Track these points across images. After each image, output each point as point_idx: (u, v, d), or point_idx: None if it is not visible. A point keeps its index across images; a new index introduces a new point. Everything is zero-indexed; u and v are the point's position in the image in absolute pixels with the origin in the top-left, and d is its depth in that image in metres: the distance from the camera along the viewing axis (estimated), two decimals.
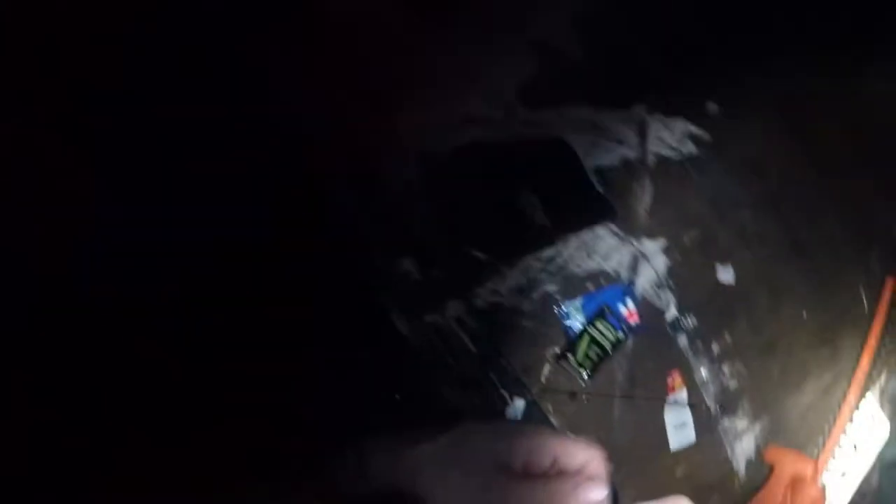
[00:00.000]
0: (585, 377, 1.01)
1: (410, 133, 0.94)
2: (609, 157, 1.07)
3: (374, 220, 0.95)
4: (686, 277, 1.09)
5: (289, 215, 0.81)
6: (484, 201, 1.01)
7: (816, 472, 1.06)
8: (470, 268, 0.99)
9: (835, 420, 1.15)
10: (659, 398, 1.06)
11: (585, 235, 1.03)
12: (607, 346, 1.01)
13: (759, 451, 1.12)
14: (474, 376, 0.99)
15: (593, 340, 1.01)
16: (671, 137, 1.11)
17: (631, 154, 1.08)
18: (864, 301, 1.22)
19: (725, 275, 1.11)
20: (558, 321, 1.01)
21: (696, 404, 1.08)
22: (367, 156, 0.93)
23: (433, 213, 0.97)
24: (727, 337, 1.12)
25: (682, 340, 1.09)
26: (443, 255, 0.98)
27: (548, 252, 1.01)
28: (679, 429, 1.06)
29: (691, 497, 0.97)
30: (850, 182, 1.25)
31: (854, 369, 1.16)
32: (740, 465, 1.12)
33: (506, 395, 1.00)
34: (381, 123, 0.90)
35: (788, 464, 1.05)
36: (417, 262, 0.98)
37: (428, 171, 0.96)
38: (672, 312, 1.08)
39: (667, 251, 1.08)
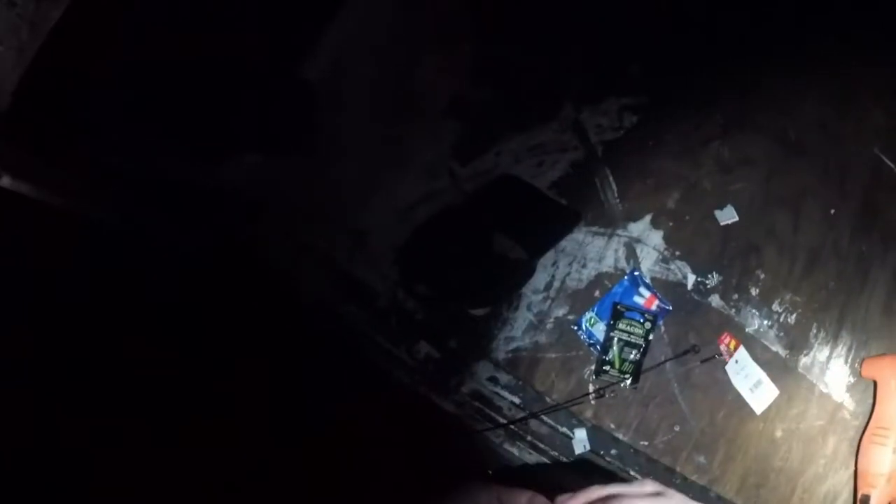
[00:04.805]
0: (630, 381, 0.98)
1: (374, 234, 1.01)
2: (559, 168, 1.08)
3: (378, 323, 1.02)
4: (688, 238, 1.06)
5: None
6: (463, 263, 1.05)
7: None
8: (478, 328, 1.02)
9: None
10: (720, 368, 1.01)
11: (571, 249, 1.04)
12: (639, 341, 0.99)
13: (855, 371, 1.02)
14: (529, 426, 1.00)
15: (623, 343, 0.99)
16: (608, 120, 1.11)
17: (578, 155, 1.08)
18: (888, 162, 1.11)
19: (726, 215, 1.06)
20: (581, 341, 1.00)
21: (762, 356, 1.02)
22: (347, 273, 1.02)
23: (424, 294, 1.02)
24: (760, 274, 1.06)
25: (716, 300, 1.04)
26: (450, 327, 1.02)
27: (541, 281, 1.03)
28: (756, 389, 0.99)
29: (806, 449, 0.93)
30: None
31: None
32: (841, 394, 1.03)
33: (566, 430, 0.99)
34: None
35: (890, 369, 0.95)
36: (431, 343, 1.02)
37: (403, 261, 1.02)
38: (691, 278, 1.04)
39: (655, 223, 1.06)
